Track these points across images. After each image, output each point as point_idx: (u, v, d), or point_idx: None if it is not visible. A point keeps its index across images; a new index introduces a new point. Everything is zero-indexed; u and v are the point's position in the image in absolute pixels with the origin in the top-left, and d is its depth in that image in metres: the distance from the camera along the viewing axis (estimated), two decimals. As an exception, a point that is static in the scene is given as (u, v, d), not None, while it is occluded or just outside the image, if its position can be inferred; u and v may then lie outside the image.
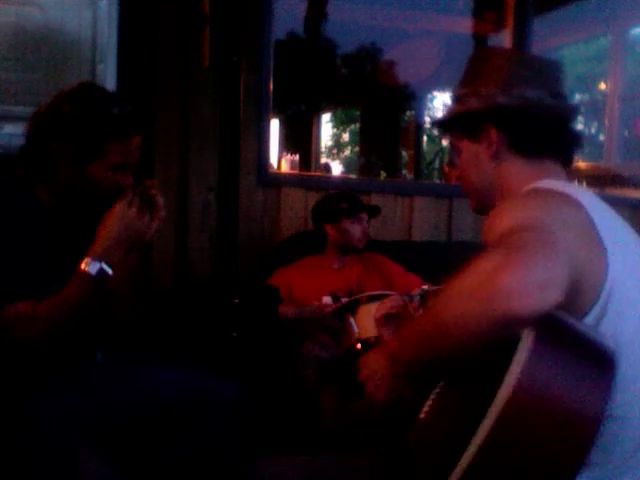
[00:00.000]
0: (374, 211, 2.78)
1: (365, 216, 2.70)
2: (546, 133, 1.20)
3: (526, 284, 0.84)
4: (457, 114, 1.26)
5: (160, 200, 1.59)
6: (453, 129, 1.29)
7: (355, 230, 2.67)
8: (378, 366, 1.12)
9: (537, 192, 1.12)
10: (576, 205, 1.06)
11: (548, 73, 1.24)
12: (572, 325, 0.92)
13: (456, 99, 1.27)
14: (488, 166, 1.22)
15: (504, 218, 1.03)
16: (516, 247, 0.89)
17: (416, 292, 1.54)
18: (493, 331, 0.86)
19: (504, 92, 1.19)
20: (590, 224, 1.03)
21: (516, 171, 1.20)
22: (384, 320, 1.47)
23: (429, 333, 0.96)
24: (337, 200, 2.73)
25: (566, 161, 1.23)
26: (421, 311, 1.79)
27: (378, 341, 1.65)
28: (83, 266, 1.50)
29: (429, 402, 1.04)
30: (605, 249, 1.02)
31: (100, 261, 1.51)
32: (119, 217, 1.54)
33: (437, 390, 1.04)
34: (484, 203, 1.27)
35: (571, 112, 1.24)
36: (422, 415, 1.03)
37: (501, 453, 0.82)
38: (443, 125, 1.33)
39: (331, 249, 2.71)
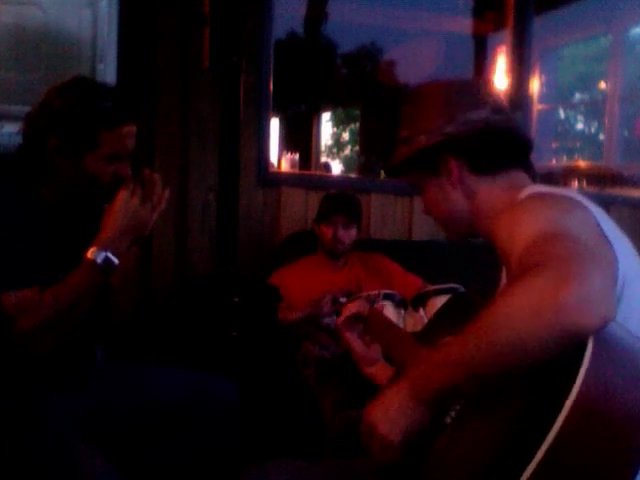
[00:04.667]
0: (352, 215, 2.65)
1: (340, 219, 2.61)
2: (500, 147, 1.23)
3: (591, 296, 0.84)
4: (409, 155, 1.26)
5: (165, 192, 1.60)
6: (409, 171, 1.30)
7: (327, 234, 2.63)
8: (394, 402, 1.02)
9: (544, 196, 1.13)
10: (583, 207, 1.08)
11: (486, 93, 1.26)
12: (619, 330, 0.93)
13: (402, 142, 1.28)
14: (455, 194, 1.24)
15: (524, 225, 1.03)
16: (565, 260, 0.88)
17: (374, 294, 1.52)
18: (560, 346, 0.85)
19: (449, 122, 1.21)
20: (597, 225, 1.05)
21: (487, 191, 1.22)
22: (349, 323, 1.47)
23: (478, 359, 0.92)
24: (323, 201, 2.73)
25: (526, 167, 1.26)
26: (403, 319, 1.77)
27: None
28: (89, 255, 1.50)
29: (456, 406, 1.02)
30: (613, 248, 1.03)
31: (106, 250, 1.51)
32: (123, 206, 1.54)
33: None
34: (463, 231, 1.29)
35: (514, 122, 1.27)
36: (448, 420, 1.02)
37: (565, 459, 0.83)
38: (398, 170, 1.32)
39: (320, 250, 2.71)
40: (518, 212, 1.10)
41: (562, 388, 0.83)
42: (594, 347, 0.85)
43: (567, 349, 0.86)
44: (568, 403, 0.82)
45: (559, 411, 0.82)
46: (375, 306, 1.51)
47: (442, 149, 1.22)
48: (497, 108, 1.24)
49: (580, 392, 0.82)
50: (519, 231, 1.03)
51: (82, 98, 1.55)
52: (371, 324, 1.46)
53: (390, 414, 1.01)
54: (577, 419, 0.82)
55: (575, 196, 1.12)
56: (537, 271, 0.89)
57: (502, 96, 1.31)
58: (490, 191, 1.22)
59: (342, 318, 1.46)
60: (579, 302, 0.84)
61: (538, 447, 0.82)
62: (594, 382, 0.83)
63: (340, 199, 2.70)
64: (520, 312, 0.87)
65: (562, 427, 0.82)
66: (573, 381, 0.83)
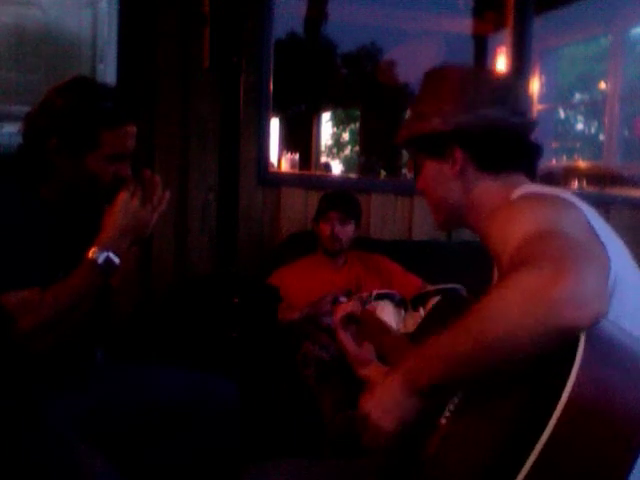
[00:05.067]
0: (348, 211, 2.67)
1: (336, 215, 2.62)
2: (510, 150, 1.23)
3: (584, 293, 0.85)
4: (421, 133, 1.26)
5: (166, 194, 1.60)
6: (413, 147, 1.30)
7: (324, 231, 2.64)
8: (387, 392, 1.05)
9: (536, 196, 1.14)
10: (574, 206, 1.09)
11: (509, 91, 1.25)
12: (614, 329, 0.93)
13: (417, 116, 1.27)
14: (454, 184, 1.24)
15: (517, 224, 1.03)
16: (559, 257, 0.89)
17: (365, 295, 1.52)
18: (551, 341, 0.86)
19: (468, 113, 1.20)
20: (589, 224, 1.06)
21: (485, 187, 1.22)
22: (343, 324, 1.47)
23: (469, 351, 0.92)
24: (321, 200, 2.74)
25: (530, 172, 1.26)
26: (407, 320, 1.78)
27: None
28: (90, 255, 1.50)
29: (450, 407, 1.02)
30: (605, 246, 1.04)
31: (107, 250, 1.51)
32: (123, 207, 1.55)
33: (460, 394, 1.02)
34: (451, 220, 1.29)
35: (531, 126, 1.27)
36: (443, 420, 1.02)
37: (560, 458, 0.83)
38: (404, 144, 1.32)
39: (320, 249, 2.72)
40: (510, 211, 1.10)
41: (558, 388, 0.84)
42: (586, 346, 0.85)
43: (559, 345, 0.86)
44: (560, 402, 0.82)
45: (554, 407, 0.82)
46: (367, 307, 1.50)
47: (453, 137, 1.21)
48: (518, 110, 1.24)
49: (573, 391, 0.82)
50: (512, 230, 1.03)
51: (83, 98, 1.55)
52: (364, 325, 1.46)
53: (383, 404, 1.04)
54: (571, 419, 0.82)
55: (567, 196, 1.12)
56: (530, 266, 0.89)
57: (529, 98, 1.30)
58: (488, 189, 1.22)
59: (336, 318, 1.46)
60: (573, 298, 0.84)
61: (534, 447, 0.82)
62: (587, 381, 0.84)
63: (336, 196, 2.71)
64: (512, 306, 0.88)
65: (555, 427, 0.82)
66: (566, 379, 0.83)
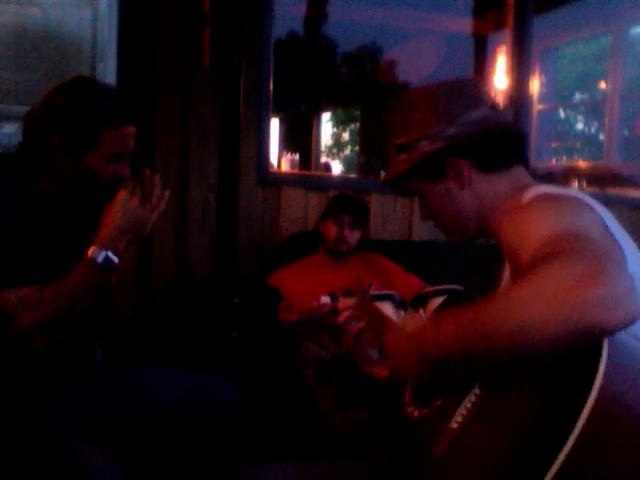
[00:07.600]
0: (360, 217, 2.69)
1: (347, 219, 2.63)
2: (505, 144, 1.23)
3: (617, 295, 0.84)
4: (412, 163, 1.24)
5: (165, 193, 1.60)
6: (411, 178, 1.27)
7: (331, 231, 2.64)
8: (399, 346, 1.09)
9: (551, 197, 1.13)
10: (590, 207, 1.08)
11: (477, 90, 1.26)
12: (631, 339, 0.92)
13: (400, 150, 1.26)
14: (464, 195, 1.23)
15: (536, 225, 1.03)
16: (588, 255, 0.89)
17: (371, 291, 1.53)
18: (574, 340, 0.85)
19: (452, 124, 1.20)
20: (605, 225, 1.06)
21: (493, 188, 1.22)
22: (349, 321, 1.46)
23: (490, 331, 0.91)
24: (333, 199, 2.75)
25: (525, 163, 1.26)
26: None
27: None
28: (89, 253, 1.51)
29: (462, 411, 1.02)
30: (620, 247, 1.04)
31: (106, 249, 1.51)
32: (123, 206, 1.55)
33: (472, 399, 1.02)
34: (472, 230, 1.28)
35: (509, 115, 1.28)
36: (454, 425, 1.02)
37: (581, 471, 0.82)
38: (400, 180, 1.29)
39: (322, 249, 2.72)
40: (527, 214, 1.10)
41: (579, 399, 0.83)
42: (609, 356, 0.85)
43: (580, 346, 0.85)
44: (584, 412, 0.81)
45: (577, 419, 0.81)
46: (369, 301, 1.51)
47: (448, 152, 1.21)
48: (493, 105, 1.25)
49: (596, 403, 0.81)
50: (530, 232, 1.02)
51: (85, 96, 1.55)
52: (368, 319, 1.46)
53: (392, 353, 1.10)
54: (594, 429, 0.81)
55: (581, 196, 1.12)
56: (564, 259, 0.89)
57: (501, 95, 1.32)
58: (496, 189, 1.22)
59: (341, 317, 1.46)
60: (607, 300, 0.83)
61: (555, 455, 0.81)
62: (610, 392, 0.83)
63: (351, 200, 2.72)
64: (540, 298, 0.86)
65: (578, 438, 0.80)
66: (588, 390, 0.82)
